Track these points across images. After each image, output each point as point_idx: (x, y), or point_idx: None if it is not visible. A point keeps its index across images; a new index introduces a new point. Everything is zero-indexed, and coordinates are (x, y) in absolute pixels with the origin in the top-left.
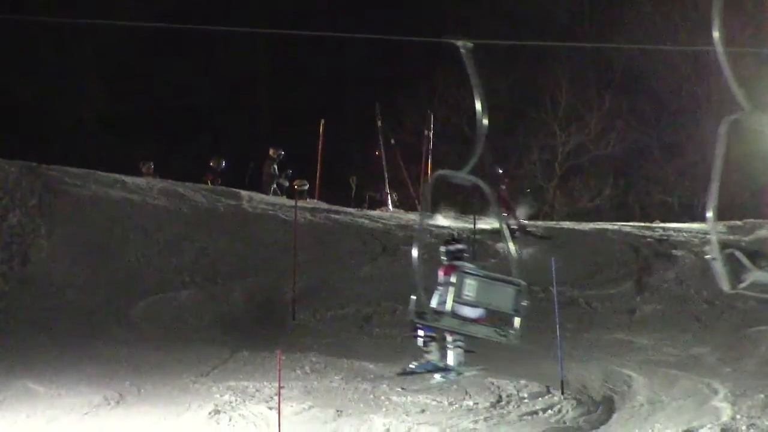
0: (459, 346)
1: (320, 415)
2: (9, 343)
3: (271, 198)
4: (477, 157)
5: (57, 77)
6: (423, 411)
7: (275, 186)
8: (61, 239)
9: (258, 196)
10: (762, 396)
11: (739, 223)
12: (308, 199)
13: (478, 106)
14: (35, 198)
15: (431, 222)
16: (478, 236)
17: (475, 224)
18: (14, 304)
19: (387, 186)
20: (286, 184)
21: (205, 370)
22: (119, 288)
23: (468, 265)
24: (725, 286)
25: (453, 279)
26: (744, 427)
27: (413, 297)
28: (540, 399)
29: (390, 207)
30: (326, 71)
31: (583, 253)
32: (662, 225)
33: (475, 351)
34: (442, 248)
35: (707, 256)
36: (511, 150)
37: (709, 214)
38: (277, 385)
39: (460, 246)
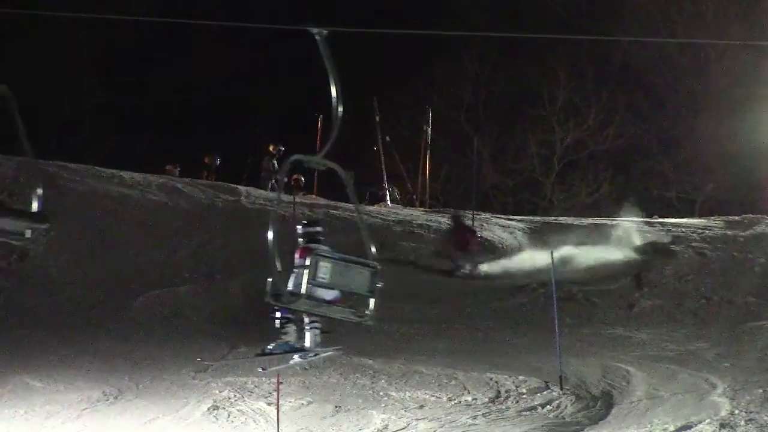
0: (315, 327)
1: (319, 410)
2: (7, 338)
3: (269, 194)
4: (331, 142)
5: (54, 71)
6: (421, 406)
7: (273, 182)
8: (59, 235)
9: (256, 191)
10: (761, 391)
11: (737, 218)
12: (306, 195)
13: (333, 92)
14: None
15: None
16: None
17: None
18: (12, 300)
19: (385, 181)
20: (285, 179)
21: (203, 366)
22: (117, 283)
23: (323, 248)
24: None
25: (308, 262)
26: (743, 422)
27: (269, 279)
28: (539, 394)
29: (388, 202)
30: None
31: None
32: (660, 220)
33: (330, 331)
34: (299, 230)
35: None
36: (509, 145)
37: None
38: (275, 380)
39: (317, 228)
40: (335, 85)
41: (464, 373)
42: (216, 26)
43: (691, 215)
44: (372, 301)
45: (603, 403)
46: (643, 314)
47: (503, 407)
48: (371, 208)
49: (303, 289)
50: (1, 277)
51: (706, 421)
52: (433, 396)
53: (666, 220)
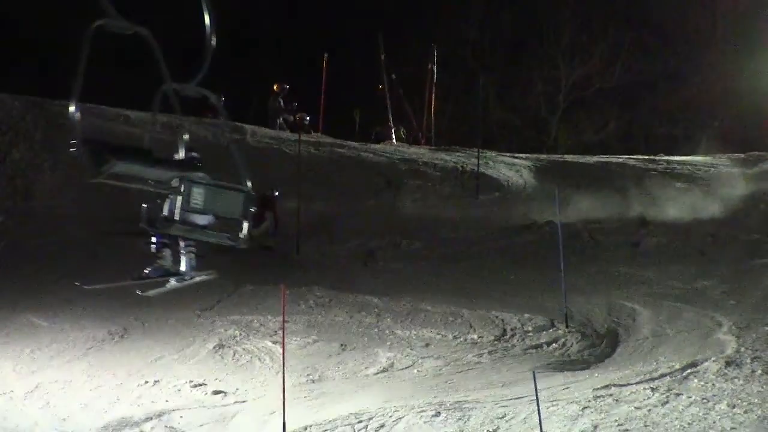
0: (191, 252)
1: (325, 348)
2: (13, 278)
3: (275, 132)
4: (204, 71)
5: (60, 9)
6: (427, 345)
7: (281, 120)
8: (64, 174)
9: (261, 130)
10: (766, 328)
11: (742, 155)
12: (312, 133)
13: (207, 21)
14: (39, 133)
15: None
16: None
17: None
18: (18, 239)
19: (391, 120)
20: (291, 118)
21: (209, 305)
22: (122, 222)
23: (198, 174)
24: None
25: (181, 187)
26: (748, 360)
27: (144, 205)
28: (544, 332)
29: (394, 140)
30: (329, 4)
31: (588, 186)
32: (666, 158)
33: (205, 256)
34: (175, 158)
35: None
36: (514, 82)
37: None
38: (281, 319)
39: (192, 155)
40: (208, 13)
41: (470, 312)
42: None
43: (697, 153)
44: (245, 225)
45: (608, 341)
46: (649, 252)
47: (509, 345)
48: (377, 146)
49: (177, 215)
50: (7, 217)
51: (712, 359)
52: (439, 334)
53: (671, 157)
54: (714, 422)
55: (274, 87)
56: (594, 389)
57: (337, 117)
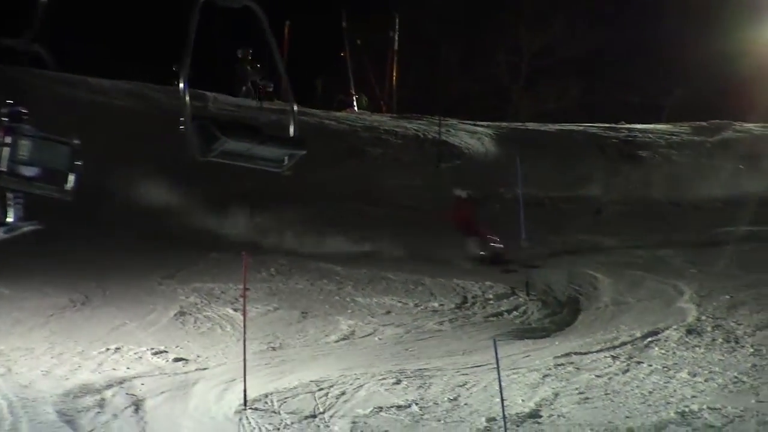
0: (18, 203)
1: (286, 316)
2: None
3: (237, 99)
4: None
5: None
6: (388, 312)
7: (248, 87)
8: None
9: (223, 97)
10: (727, 297)
11: (704, 124)
12: (275, 101)
13: None
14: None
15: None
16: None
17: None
18: None
19: (353, 88)
20: (259, 82)
21: (171, 272)
22: (86, 190)
23: (25, 127)
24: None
25: (8, 140)
26: (709, 328)
27: None
28: (505, 300)
29: (356, 108)
30: None
31: (549, 154)
32: (628, 126)
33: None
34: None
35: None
36: (476, 52)
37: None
38: (242, 286)
39: (18, 108)
40: None
41: (431, 279)
42: None
43: (659, 121)
44: (71, 177)
45: (569, 309)
46: (611, 220)
47: (470, 313)
48: (339, 114)
49: (4, 167)
50: None
51: (673, 327)
52: (400, 302)
53: (633, 125)
54: (675, 390)
55: (238, 53)
56: (555, 357)
57: (299, 85)
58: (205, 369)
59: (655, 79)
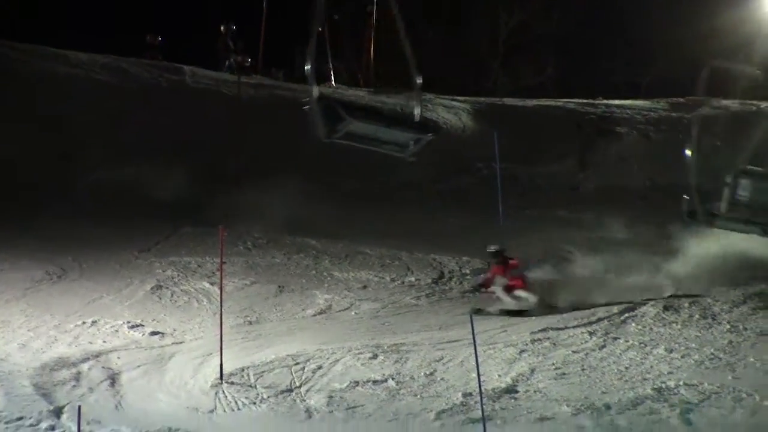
0: None
1: (262, 290)
2: None
3: (215, 74)
4: None
5: None
6: (365, 287)
7: (231, 61)
8: (5, 114)
9: (201, 71)
10: (704, 273)
11: (681, 100)
12: (253, 76)
13: None
14: None
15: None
16: None
17: None
18: None
19: (330, 61)
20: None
21: (147, 246)
22: (63, 163)
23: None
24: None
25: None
26: (686, 305)
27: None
28: (482, 276)
29: (333, 82)
30: None
31: (527, 130)
32: (605, 102)
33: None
34: None
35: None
36: (455, 28)
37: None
38: (219, 260)
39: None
40: None
41: (408, 254)
42: None
43: (636, 97)
44: None
45: (546, 284)
46: (588, 196)
47: (446, 288)
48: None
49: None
50: None
51: (650, 303)
52: (377, 276)
53: (610, 101)
54: (651, 366)
55: (221, 28)
56: (531, 333)
57: (277, 59)
58: (181, 343)
59: (634, 56)
